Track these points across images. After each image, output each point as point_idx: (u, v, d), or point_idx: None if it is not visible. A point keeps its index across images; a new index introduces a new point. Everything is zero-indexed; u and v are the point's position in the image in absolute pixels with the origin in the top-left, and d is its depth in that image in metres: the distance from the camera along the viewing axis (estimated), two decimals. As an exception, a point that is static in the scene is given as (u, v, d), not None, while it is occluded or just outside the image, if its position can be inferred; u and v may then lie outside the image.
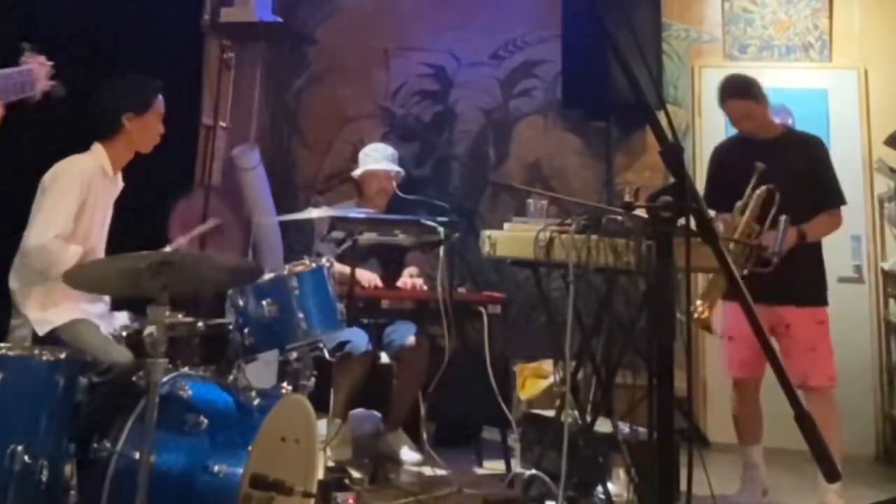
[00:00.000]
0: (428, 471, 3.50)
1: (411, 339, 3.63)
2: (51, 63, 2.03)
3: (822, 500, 3.08)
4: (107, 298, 2.75)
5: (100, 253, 2.72)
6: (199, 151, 4.83)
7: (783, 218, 3.01)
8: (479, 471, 3.69)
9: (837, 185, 3.27)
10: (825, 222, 3.21)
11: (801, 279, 3.15)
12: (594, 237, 2.81)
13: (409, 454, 3.66)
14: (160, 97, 2.83)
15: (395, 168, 3.99)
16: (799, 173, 3.18)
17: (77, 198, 2.60)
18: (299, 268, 2.72)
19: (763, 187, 3.06)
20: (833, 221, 3.24)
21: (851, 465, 3.18)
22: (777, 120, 3.59)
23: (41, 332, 2.52)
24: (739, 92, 3.27)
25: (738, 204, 3.09)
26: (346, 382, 3.52)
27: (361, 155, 4.06)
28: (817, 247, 3.26)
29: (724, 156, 3.43)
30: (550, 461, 3.04)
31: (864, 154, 4.65)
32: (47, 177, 2.63)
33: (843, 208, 3.30)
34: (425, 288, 3.75)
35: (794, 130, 3.41)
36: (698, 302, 2.98)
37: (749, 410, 3.28)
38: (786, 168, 3.15)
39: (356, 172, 4.04)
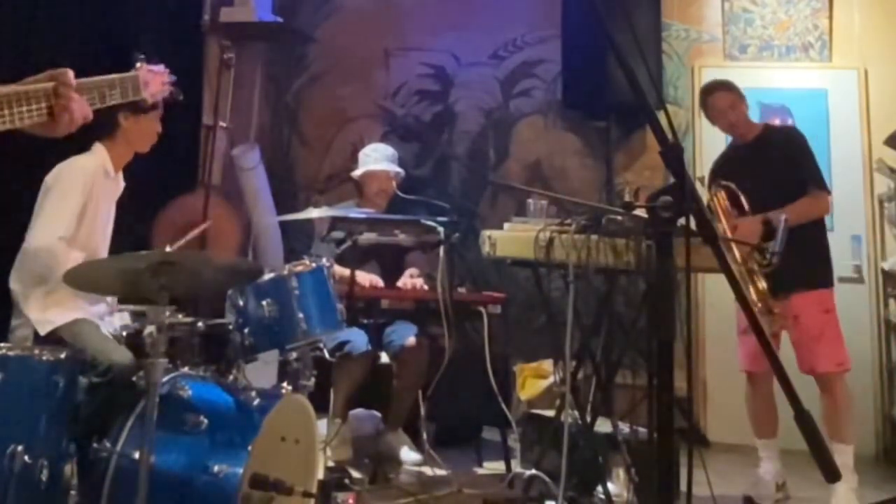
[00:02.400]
0: (428, 471, 3.49)
1: (411, 340, 3.63)
2: (166, 71, 2.22)
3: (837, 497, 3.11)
4: (109, 299, 2.74)
5: (102, 254, 2.71)
6: (199, 151, 4.83)
7: (783, 217, 3.02)
8: (479, 471, 3.69)
9: (815, 168, 3.32)
10: (806, 204, 3.23)
11: (803, 262, 3.17)
12: (594, 237, 2.82)
13: (409, 454, 3.66)
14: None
15: (395, 168, 3.98)
16: (780, 166, 3.27)
17: (80, 198, 2.60)
18: (299, 268, 2.72)
19: (711, 190, 3.26)
20: (815, 203, 3.26)
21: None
22: (776, 120, 3.66)
23: (42, 332, 2.52)
24: (725, 85, 3.46)
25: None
26: (345, 382, 3.52)
27: (361, 155, 4.06)
28: (818, 230, 3.31)
29: (720, 166, 3.54)
30: (550, 461, 3.04)
31: (864, 154, 4.65)
32: (50, 177, 2.63)
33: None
34: (426, 288, 3.75)
35: (772, 127, 3.54)
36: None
37: (762, 404, 3.32)
38: (767, 164, 3.27)
39: (356, 173, 4.03)
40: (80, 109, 1.64)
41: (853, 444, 3.18)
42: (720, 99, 3.43)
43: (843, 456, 3.09)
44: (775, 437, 3.32)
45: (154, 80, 2.13)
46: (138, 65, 2.11)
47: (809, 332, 3.19)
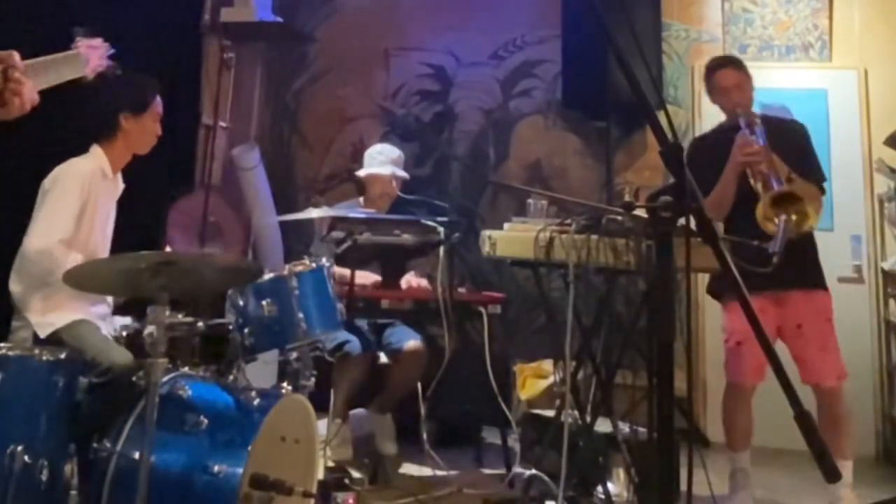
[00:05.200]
0: (428, 471, 3.50)
1: (410, 343, 3.63)
2: (106, 44, 2.20)
3: (835, 497, 3.06)
4: (109, 300, 2.75)
5: (102, 255, 2.71)
6: (199, 151, 4.83)
7: (783, 217, 3.01)
8: (480, 471, 3.69)
9: (818, 163, 3.24)
10: (811, 189, 3.06)
11: (801, 261, 3.08)
12: (594, 237, 2.81)
13: (386, 444, 3.67)
14: (158, 98, 2.83)
15: (400, 173, 3.96)
16: (786, 159, 3.09)
17: (78, 201, 2.60)
18: (299, 268, 2.72)
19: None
20: (817, 196, 3.11)
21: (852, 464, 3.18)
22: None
23: (42, 334, 2.52)
24: (732, 62, 3.32)
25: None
26: (345, 382, 3.52)
27: (366, 156, 4.03)
28: (810, 233, 3.19)
29: (702, 148, 3.35)
30: (550, 461, 3.04)
31: (864, 154, 4.65)
32: (48, 180, 2.63)
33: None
34: (429, 287, 3.75)
35: (771, 118, 3.34)
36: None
37: (747, 416, 3.19)
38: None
39: (360, 173, 4.02)
40: (31, 93, 1.59)
41: (852, 459, 3.09)
42: (726, 77, 3.26)
43: (843, 471, 2.97)
44: (749, 446, 3.21)
45: (94, 55, 2.10)
46: (78, 40, 2.08)
47: (814, 342, 3.09)
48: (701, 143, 3.46)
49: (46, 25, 3.20)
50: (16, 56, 1.57)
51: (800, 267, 3.08)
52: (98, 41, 2.17)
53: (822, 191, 3.18)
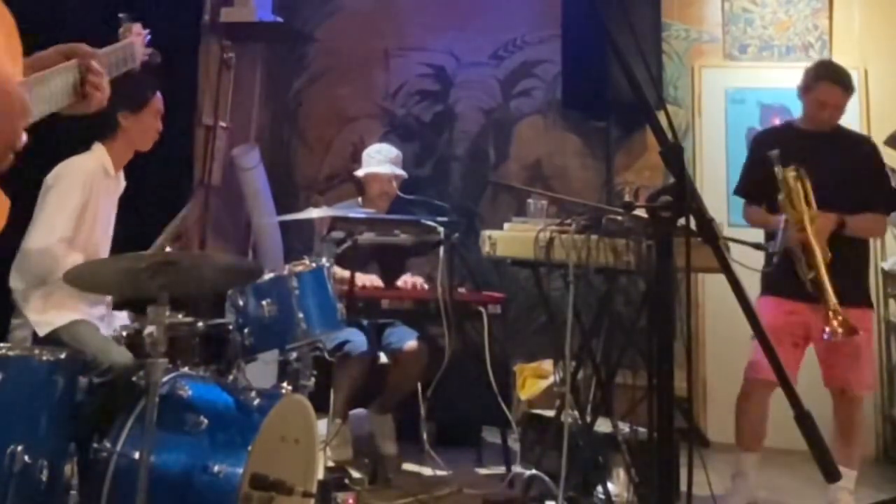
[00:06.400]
0: (428, 471, 3.50)
1: (410, 344, 3.63)
2: (147, 31, 2.09)
3: (833, 499, 3.05)
4: (108, 300, 2.75)
5: (103, 254, 2.71)
6: (199, 151, 4.82)
7: (783, 217, 3.00)
8: (479, 471, 3.69)
9: (889, 188, 3.21)
10: (870, 220, 3.11)
11: (846, 277, 3.03)
12: (594, 237, 2.82)
13: (386, 445, 3.66)
14: (157, 94, 2.83)
15: (398, 172, 3.96)
16: (845, 171, 3.09)
17: (79, 199, 2.60)
18: (299, 268, 2.73)
19: (787, 170, 3.01)
20: (878, 223, 3.18)
21: (851, 465, 3.17)
22: (776, 120, 3.57)
23: (41, 333, 2.52)
24: (847, 84, 3.18)
25: (780, 197, 3.03)
26: (345, 382, 3.52)
27: (365, 155, 4.03)
28: (865, 246, 3.22)
29: (766, 143, 3.26)
30: (550, 461, 3.04)
31: (864, 154, 4.64)
32: (49, 178, 2.63)
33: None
34: (426, 287, 3.75)
35: (843, 128, 3.30)
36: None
37: (760, 417, 3.14)
38: (833, 164, 3.07)
39: (359, 172, 4.02)
40: (107, 86, 1.52)
41: (857, 469, 3.07)
42: (830, 94, 3.15)
43: (847, 481, 2.98)
44: (759, 450, 3.18)
45: (139, 42, 2.01)
46: (122, 29, 2.00)
47: (845, 349, 3.02)
48: (766, 137, 3.41)
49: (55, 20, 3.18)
50: (87, 48, 1.50)
51: (842, 284, 3.00)
52: (139, 26, 2.06)
53: (887, 215, 3.18)
